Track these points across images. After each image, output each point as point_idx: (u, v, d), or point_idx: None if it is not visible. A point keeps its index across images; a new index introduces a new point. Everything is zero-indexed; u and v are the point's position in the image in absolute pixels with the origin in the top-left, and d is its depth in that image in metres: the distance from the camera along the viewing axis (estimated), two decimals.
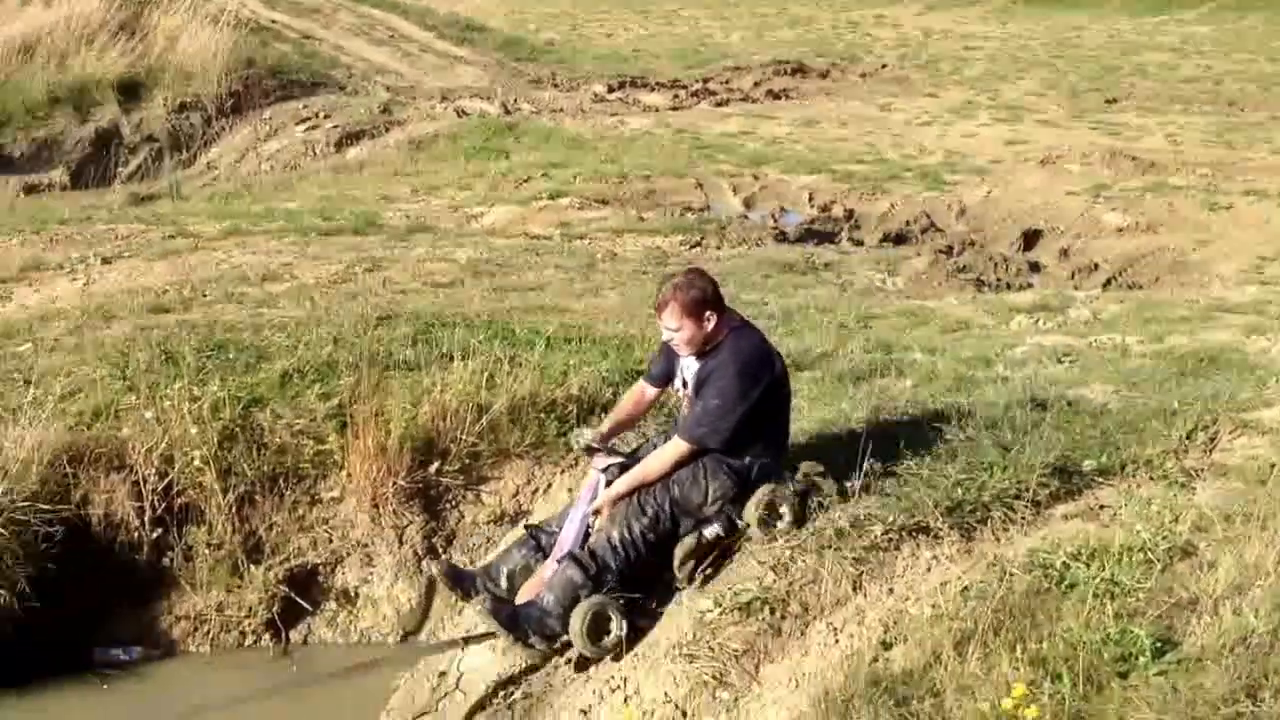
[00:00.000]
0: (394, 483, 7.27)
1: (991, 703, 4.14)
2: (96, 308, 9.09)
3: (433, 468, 7.41)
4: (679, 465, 5.76)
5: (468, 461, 7.45)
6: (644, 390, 6.30)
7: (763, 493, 5.72)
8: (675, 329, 5.71)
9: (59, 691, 6.64)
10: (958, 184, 14.90)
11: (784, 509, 5.71)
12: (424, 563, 7.23)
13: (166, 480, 7.13)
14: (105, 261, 10.61)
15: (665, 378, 6.14)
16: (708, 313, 5.66)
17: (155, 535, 7.12)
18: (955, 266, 11.91)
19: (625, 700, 5.10)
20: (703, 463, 5.75)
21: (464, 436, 7.44)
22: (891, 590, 5.17)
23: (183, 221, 12.31)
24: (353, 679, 6.45)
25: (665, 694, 5.01)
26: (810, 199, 14.67)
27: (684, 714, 4.90)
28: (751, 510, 5.70)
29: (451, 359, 7.82)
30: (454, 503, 7.45)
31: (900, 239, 13.39)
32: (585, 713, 5.19)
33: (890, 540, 5.45)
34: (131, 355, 7.84)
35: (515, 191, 14.37)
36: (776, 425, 5.93)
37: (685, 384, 5.94)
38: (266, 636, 7.12)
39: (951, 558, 5.29)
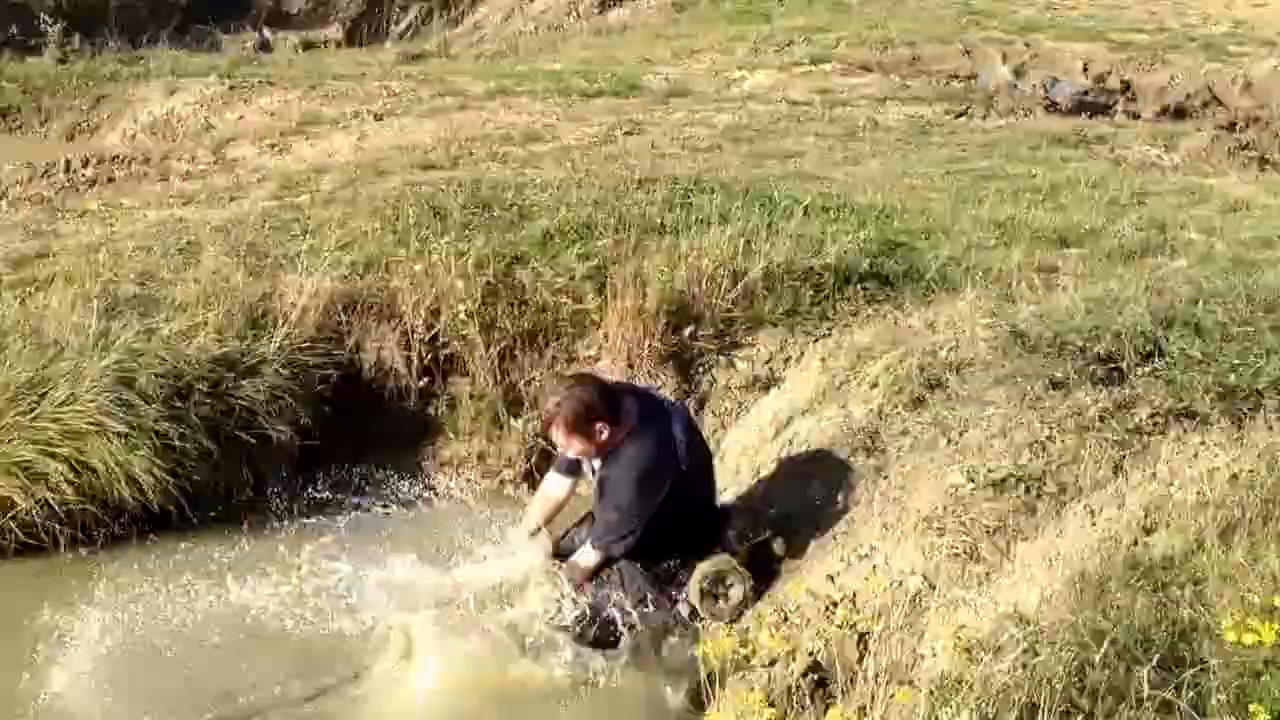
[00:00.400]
0: (649, 344, 7.36)
1: (1259, 595, 4.00)
2: (369, 162, 9.43)
3: (687, 331, 7.47)
4: (600, 569, 5.45)
5: (722, 327, 7.48)
6: (557, 484, 5.85)
7: (706, 568, 5.35)
8: (565, 446, 5.34)
9: (328, 520, 6.98)
10: (1244, 56, 14.01)
11: (732, 580, 5.35)
12: None
13: (433, 332, 7.41)
14: (377, 118, 10.98)
15: (574, 467, 5.71)
16: (597, 424, 5.22)
17: (422, 384, 7.44)
18: (1238, 144, 11.26)
19: (873, 569, 5.11)
20: (618, 568, 5.44)
21: (719, 302, 7.47)
22: (1154, 475, 5.01)
23: (450, 80, 12.61)
24: None
25: (913, 566, 5.00)
26: (1084, 69, 14.02)
27: (932, 586, 4.89)
28: (694, 589, 5.34)
29: (709, 224, 7.84)
30: (707, 367, 7.50)
31: (1179, 113, 12.72)
32: (832, 578, 5.22)
33: (1156, 424, 5.27)
34: (401, 210, 8.13)
35: (776, 56, 14.19)
36: (696, 515, 5.57)
37: (593, 471, 5.53)
38: (525, 486, 7.38)
39: (1220, 444, 5.08)
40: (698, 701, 5.25)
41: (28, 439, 6.25)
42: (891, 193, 8.65)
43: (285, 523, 6.77)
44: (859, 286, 7.50)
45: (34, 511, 6.21)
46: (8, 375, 6.39)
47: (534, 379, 7.51)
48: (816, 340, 7.35)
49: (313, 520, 6.82)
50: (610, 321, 7.43)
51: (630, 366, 7.44)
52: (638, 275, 7.42)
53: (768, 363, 7.45)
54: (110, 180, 9.85)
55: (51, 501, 6.22)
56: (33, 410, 6.31)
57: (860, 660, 4.86)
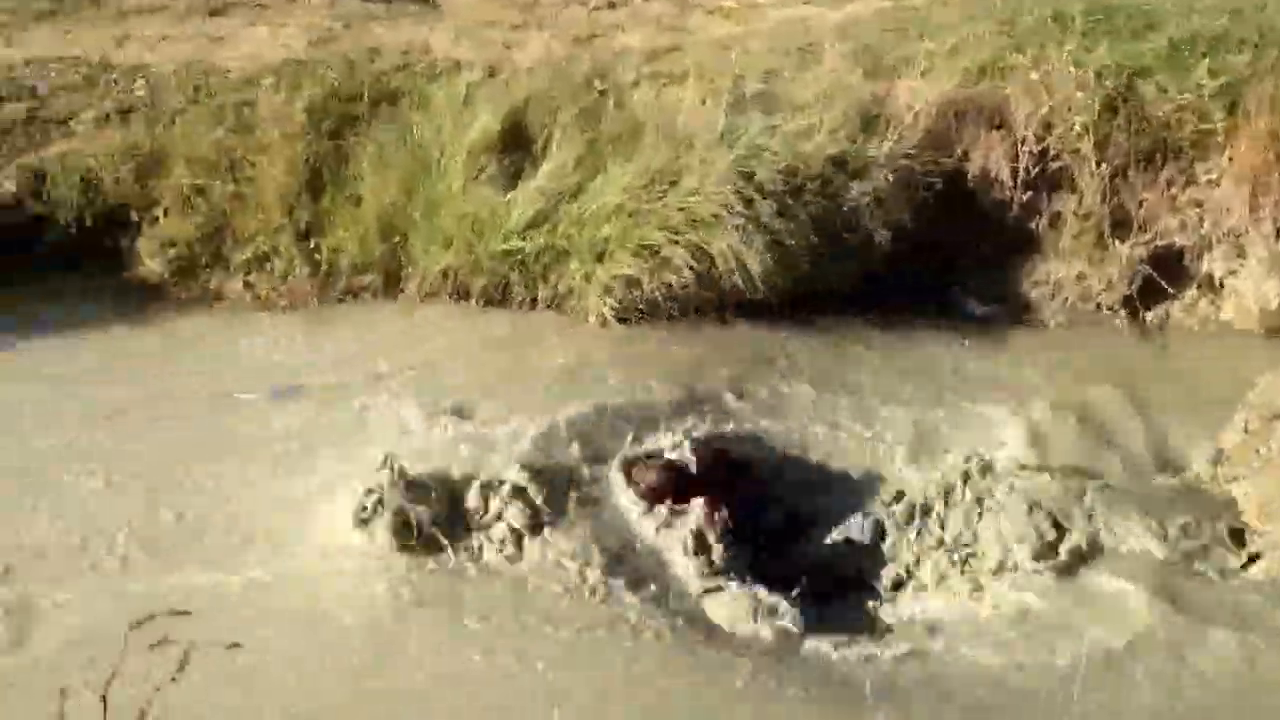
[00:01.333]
0: None
1: None
2: None
3: None
4: None
5: None
6: None
7: None
8: None
9: (914, 330, 7.06)
10: None
11: None
12: None
13: (1043, 144, 7.18)
14: None
15: None
16: None
17: (1025, 197, 7.25)
18: None
19: None
20: None
21: None
22: None
23: None
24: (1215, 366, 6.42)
25: None
26: None
27: None
28: None
29: None
30: None
31: None
32: None
33: None
34: (1019, 14, 7.86)
35: None
36: None
37: None
38: (1123, 313, 7.13)
39: None
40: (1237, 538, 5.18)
41: (657, 224, 6.72)
42: None
43: (873, 332, 6.92)
44: None
45: (657, 291, 6.71)
46: (643, 163, 6.85)
47: (1145, 201, 7.17)
48: None
49: (890, 332, 6.94)
50: (1238, 145, 6.97)
51: (1255, 195, 6.95)
52: (1276, 96, 6.86)
53: None
54: None
55: (673, 283, 6.69)
56: (662, 198, 6.76)
57: None
